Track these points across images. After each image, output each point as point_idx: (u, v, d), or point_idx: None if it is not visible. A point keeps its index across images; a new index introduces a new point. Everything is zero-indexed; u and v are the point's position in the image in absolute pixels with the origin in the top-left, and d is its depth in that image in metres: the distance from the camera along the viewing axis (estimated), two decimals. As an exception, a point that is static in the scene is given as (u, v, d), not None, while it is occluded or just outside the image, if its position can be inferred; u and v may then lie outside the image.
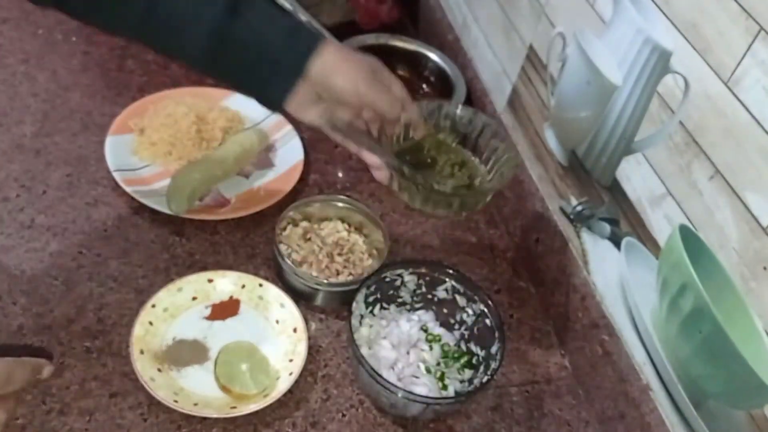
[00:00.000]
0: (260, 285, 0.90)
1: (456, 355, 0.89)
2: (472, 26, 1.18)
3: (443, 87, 1.20)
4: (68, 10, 0.73)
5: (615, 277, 0.87)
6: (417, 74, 1.25)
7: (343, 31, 1.18)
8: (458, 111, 0.90)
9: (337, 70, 0.74)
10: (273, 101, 0.76)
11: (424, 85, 1.24)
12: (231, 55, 0.73)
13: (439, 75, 1.22)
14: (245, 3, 0.72)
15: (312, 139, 1.12)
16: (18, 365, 0.60)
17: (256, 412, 0.80)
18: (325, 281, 0.90)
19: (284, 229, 0.95)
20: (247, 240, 0.98)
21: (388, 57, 1.22)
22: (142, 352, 0.82)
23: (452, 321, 0.91)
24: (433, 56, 1.23)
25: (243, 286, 0.90)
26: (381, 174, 0.83)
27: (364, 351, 0.85)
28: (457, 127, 0.90)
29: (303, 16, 1.09)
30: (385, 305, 0.91)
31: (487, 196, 0.88)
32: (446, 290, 0.91)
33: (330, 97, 0.76)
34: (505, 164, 0.87)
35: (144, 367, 0.80)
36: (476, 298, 0.89)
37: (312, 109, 0.77)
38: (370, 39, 1.22)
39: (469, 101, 1.17)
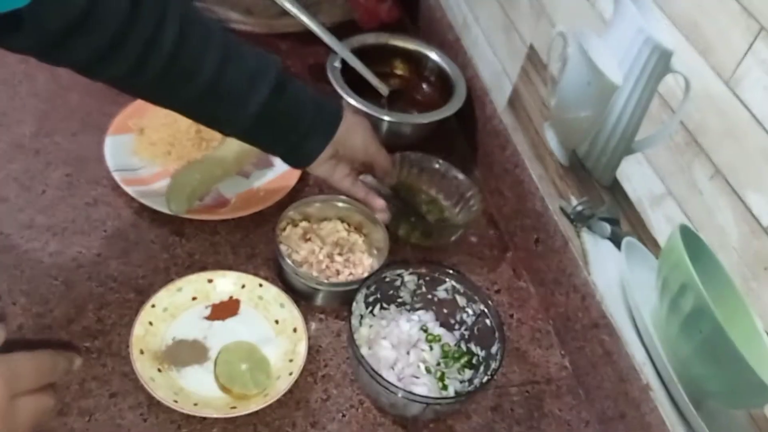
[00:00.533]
0: (260, 285, 0.90)
1: (456, 355, 0.89)
2: (473, 26, 1.18)
3: (443, 87, 1.19)
4: (128, 88, 0.78)
5: (615, 277, 0.87)
6: (417, 74, 1.24)
7: (342, 31, 1.18)
8: (424, 159, 1.07)
9: (354, 132, 0.89)
10: (302, 161, 0.89)
11: (424, 85, 1.24)
12: (271, 126, 0.83)
13: (440, 75, 1.22)
14: (287, 78, 0.82)
15: (312, 138, 1.12)
16: (60, 355, 0.63)
17: (256, 412, 0.80)
18: (326, 281, 0.91)
19: (284, 229, 0.95)
20: (247, 240, 0.98)
21: (388, 56, 1.22)
22: (141, 352, 0.82)
23: (452, 321, 0.91)
24: (434, 56, 1.22)
25: (243, 286, 0.90)
26: (384, 215, 0.96)
27: (364, 351, 0.85)
28: (422, 172, 1.07)
29: (304, 17, 1.09)
30: (385, 305, 0.91)
31: (461, 227, 1.04)
32: (446, 290, 0.91)
33: (344, 154, 0.90)
34: (473, 198, 1.04)
35: (144, 367, 0.81)
36: (476, 298, 0.89)
37: (325, 164, 0.89)
38: (370, 38, 1.22)
39: (469, 101, 1.17)
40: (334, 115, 0.87)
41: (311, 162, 0.88)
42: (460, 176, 1.07)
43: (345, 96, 1.09)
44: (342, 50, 1.14)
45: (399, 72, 1.25)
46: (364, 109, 1.08)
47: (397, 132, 1.12)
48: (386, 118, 1.10)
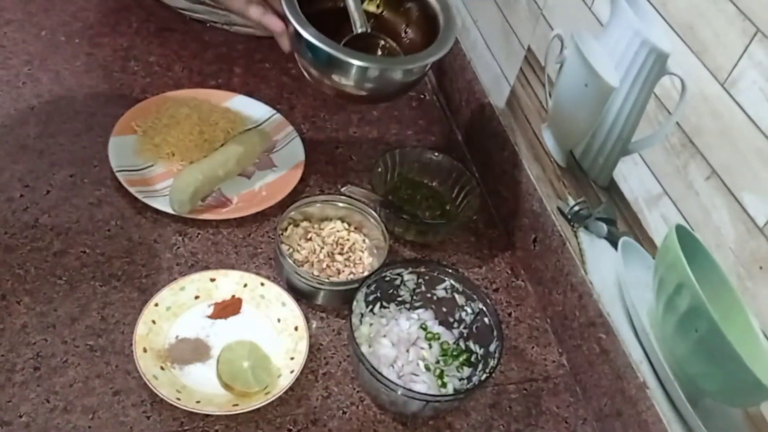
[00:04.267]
0: (262, 284, 0.91)
1: (455, 353, 0.89)
2: (471, 28, 1.19)
3: (427, 31, 0.93)
4: None
5: (612, 277, 0.88)
6: (397, 13, 0.98)
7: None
8: (425, 154, 1.09)
9: None
10: None
11: (405, 28, 0.98)
12: None
13: (424, 15, 0.95)
14: None
15: (313, 140, 1.13)
16: None
17: (258, 410, 0.81)
18: (326, 280, 0.91)
19: (285, 229, 0.96)
20: (249, 240, 0.99)
21: None
22: (145, 350, 0.83)
23: (451, 319, 0.92)
24: None
25: (245, 285, 0.91)
26: (285, 42, 0.90)
27: (365, 349, 0.86)
28: (424, 167, 1.09)
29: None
30: (385, 304, 0.92)
31: (455, 224, 1.05)
32: (445, 289, 0.92)
33: None
34: (472, 191, 1.05)
35: (147, 366, 0.81)
36: (475, 296, 0.90)
37: None
38: None
39: (468, 101, 1.18)
40: None
41: None
42: (460, 169, 1.08)
43: (295, 24, 0.84)
44: None
45: (373, 9, 0.99)
46: (326, 48, 0.83)
47: (365, 78, 0.88)
48: (356, 62, 0.84)
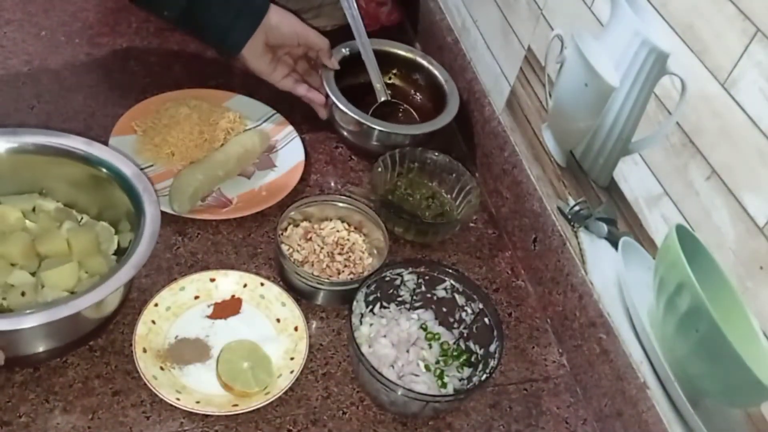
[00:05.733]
0: (262, 284, 0.91)
1: (455, 353, 0.89)
2: (471, 28, 1.19)
3: (437, 97, 1.18)
4: None
5: (612, 277, 0.88)
6: (411, 83, 1.23)
7: (342, 34, 1.18)
8: (425, 154, 1.09)
9: (282, 20, 1.03)
10: (234, 46, 1.02)
11: (418, 95, 1.23)
12: (201, 11, 0.98)
13: (433, 86, 1.20)
14: None
15: (313, 140, 1.13)
16: None
17: (258, 410, 0.81)
18: (326, 280, 0.91)
19: (285, 229, 0.96)
20: (249, 240, 0.99)
21: (384, 64, 1.19)
22: (144, 350, 0.83)
23: (451, 319, 0.92)
24: (430, 67, 1.20)
25: (245, 285, 0.91)
26: (324, 112, 1.12)
27: (365, 349, 0.86)
28: (424, 167, 1.10)
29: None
30: (385, 304, 0.92)
31: (457, 224, 1.06)
32: (445, 289, 0.92)
33: (275, 42, 1.04)
34: (472, 192, 1.06)
35: (146, 366, 0.81)
36: (475, 297, 0.90)
37: (262, 58, 1.04)
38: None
39: (468, 103, 1.18)
40: (261, 4, 1.01)
41: (241, 47, 1.01)
42: (460, 169, 1.08)
43: (336, 101, 1.08)
44: (363, 41, 1.14)
45: (392, 81, 1.23)
46: (355, 116, 1.07)
47: (385, 142, 1.10)
48: (377, 127, 1.08)
